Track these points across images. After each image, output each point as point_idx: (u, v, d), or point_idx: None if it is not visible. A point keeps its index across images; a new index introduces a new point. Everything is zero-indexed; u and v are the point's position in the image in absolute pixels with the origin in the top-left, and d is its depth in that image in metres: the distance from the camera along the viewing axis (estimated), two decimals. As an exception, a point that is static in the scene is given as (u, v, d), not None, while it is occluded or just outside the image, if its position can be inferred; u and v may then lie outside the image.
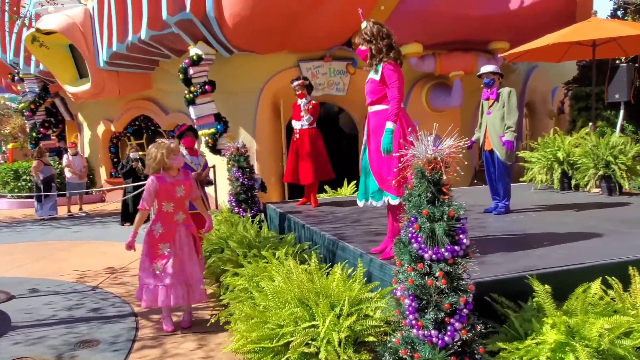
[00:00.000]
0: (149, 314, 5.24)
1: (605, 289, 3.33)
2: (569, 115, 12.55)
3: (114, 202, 11.21)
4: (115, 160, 14.86)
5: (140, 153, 11.75)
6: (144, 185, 10.29)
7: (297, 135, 7.30)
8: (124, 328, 4.86)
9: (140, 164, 10.86)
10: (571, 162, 7.86)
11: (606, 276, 3.40)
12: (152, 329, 4.85)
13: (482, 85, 6.24)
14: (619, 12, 13.08)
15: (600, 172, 7.38)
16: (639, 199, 7.01)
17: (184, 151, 6.24)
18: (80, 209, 12.96)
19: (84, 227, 10.88)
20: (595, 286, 3.26)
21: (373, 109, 4.30)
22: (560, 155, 7.89)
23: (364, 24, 4.30)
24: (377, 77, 4.20)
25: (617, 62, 9.69)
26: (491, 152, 6.17)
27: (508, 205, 6.20)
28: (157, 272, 4.74)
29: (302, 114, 7.21)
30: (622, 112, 8.60)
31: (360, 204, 4.44)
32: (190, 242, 4.93)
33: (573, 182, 7.88)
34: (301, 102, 7.29)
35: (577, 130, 9.60)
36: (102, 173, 15.11)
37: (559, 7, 10.59)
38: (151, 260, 4.81)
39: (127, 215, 10.87)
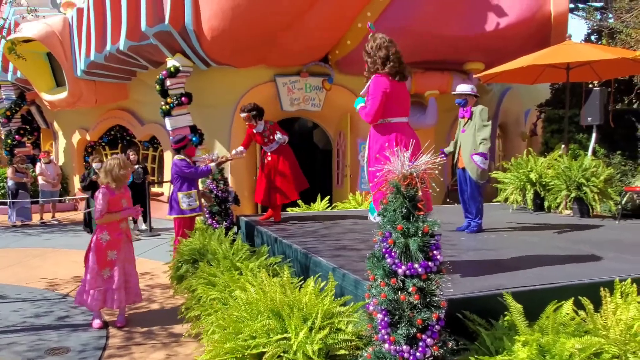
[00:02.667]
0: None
1: (577, 309, 3.34)
2: (541, 137, 12.78)
3: (86, 211, 11.02)
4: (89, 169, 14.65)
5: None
6: None
7: (269, 158, 7.25)
8: (93, 337, 4.80)
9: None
10: (543, 183, 7.95)
11: (579, 296, 3.42)
12: (122, 338, 4.79)
13: (456, 104, 6.32)
14: (592, 37, 13.39)
15: (573, 194, 7.48)
16: (609, 222, 7.11)
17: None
18: (53, 216, 12.82)
19: (56, 235, 10.72)
20: (567, 306, 3.27)
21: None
22: (532, 176, 7.98)
23: (369, 37, 4.35)
24: (365, 90, 4.24)
25: (591, 85, 9.90)
26: (464, 170, 6.21)
27: (480, 224, 6.22)
28: (106, 277, 5.16)
29: (265, 140, 7.18)
30: (594, 135, 8.75)
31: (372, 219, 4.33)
32: (130, 247, 5.42)
33: (546, 204, 7.97)
34: (257, 130, 7.20)
35: (549, 152, 9.75)
36: (76, 181, 14.87)
37: (534, 30, 10.81)
38: (100, 267, 5.18)
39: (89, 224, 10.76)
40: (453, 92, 6.39)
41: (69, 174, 15.07)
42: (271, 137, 7.15)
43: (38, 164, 12.86)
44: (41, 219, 12.49)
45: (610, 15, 12.91)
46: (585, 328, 3.17)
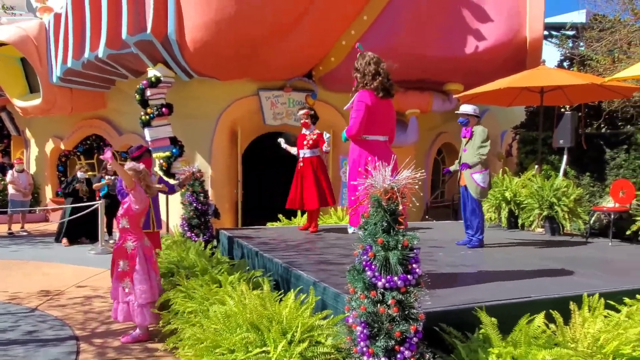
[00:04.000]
0: (92, 337, 5.07)
1: (548, 322, 3.46)
2: (516, 158, 13.05)
3: (57, 222, 10.85)
4: (62, 178, 14.42)
5: (90, 173, 11.46)
6: (85, 207, 10.04)
7: (302, 164, 7.37)
8: (62, 352, 4.65)
9: (84, 186, 10.63)
10: (518, 201, 8.15)
11: (550, 310, 3.53)
12: (94, 353, 4.66)
13: (459, 122, 6.54)
14: (565, 63, 13.82)
15: (545, 213, 7.68)
16: (578, 240, 7.33)
17: None
18: (22, 227, 12.44)
19: (25, 246, 10.45)
20: (539, 319, 3.39)
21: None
22: (507, 195, 8.18)
23: (358, 56, 4.46)
24: (349, 105, 4.35)
25: (563, 109, 10.21)
26: (466, 187, 6.43)
27: (482, 239, 6.40)
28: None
29: (305, 143, 7.33)
30: (565, 157, 9.01)
31: (352, 230, 4.47)
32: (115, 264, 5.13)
33: (519, 221, 8.16)
34: (306, 132, 7.39)
35: (524, 172, 9.98)
36: (48, 191, 14.62)
37: (511, 54, 11.12)
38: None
39: (65, 232, 10.59)
40: (456, 112, 6.64)
41: (41, 184, 14.77)
42: (310, 143, 7.28)
43: (9, 172, 12.51)
44: (9, 229, 12.11)
45: (582, 44, 13.35)
46: (556, 340, 3.29)
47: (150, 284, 4.98)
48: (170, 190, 6.70)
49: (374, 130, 4.36)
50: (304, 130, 7.46)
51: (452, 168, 6.83)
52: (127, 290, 4.94)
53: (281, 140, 7.66)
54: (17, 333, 5.14)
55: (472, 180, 6.28)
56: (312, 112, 7.48)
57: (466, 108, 6.49)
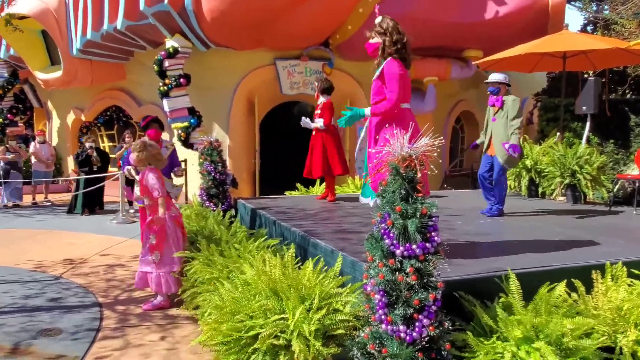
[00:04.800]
0: (114, 304, 5.18)
1: (569, 291, 3.42)
2: (537, 126, 12.84)
3: (80, 192, 11.01)
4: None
5: (110, 144, 11.60)
6: (99, 177, 10.24)
7: (313, 132, 7.38)
8: (86, 318, 4.77)
9: (95, 154, 10.79)
10: (539, 170, 8.03)
11: (572, 279, 3.50)
12: (116, 320, 4.77)
13: (488, 92, 6.35)
14: (588, 28, 13.45)
15: (567, 181, 7.56)
16: (601, 208, 7.21)
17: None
18: (46, 197, 12.67)
19: (49, 216, 10.65)
20: (560, 288, 3.35)
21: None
22: (528, 163, 8.06)
23: (378, 19, 4.25)
24: (378, 74, 4.15)
25: (586, 75, 9.97)
26: (491, 157, 6.31)
27: (501, 209, 6.32)
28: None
29: (316, 112, 7.32)
30: (588, 124, 8.84)
31: (365, 200, 4.37)
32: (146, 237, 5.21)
33: (540, 190, 8.06)
34: (319, 102, 7.37)
35: (545, 140, 9.83)
36: (70, 162, 14.82)
37: (532, 19, 10.84)
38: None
39: (84, 203, 10.79)
40: (485, 81, 6.43)
41: (63, 155, 14.98)
42: (319, 113, 7.26)
43: (32, 144, 12.71)
44: (33, 199, 12.37)
45: (606, 7, 12.96)
46: (577, 309, 3.26)
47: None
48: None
49: (406, 97, 4.22)
50: (318, 101, 7.42)
51: (478, 141, 6.68)
52: (156, 261, 5.03)
53: (305, 120, 7.53)
54: (42, 300, 5.28)
55: (503, 148, 6.10)
56: (327, 83, 7.37)
57: (497, 76, 6.28)
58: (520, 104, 6.15)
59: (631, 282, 3.65)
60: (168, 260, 5.06)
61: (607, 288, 3.44)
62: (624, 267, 3.74)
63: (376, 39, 4.21)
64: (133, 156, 5.12)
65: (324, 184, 9.00)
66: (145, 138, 5.29)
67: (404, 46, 4.16)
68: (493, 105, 6.31)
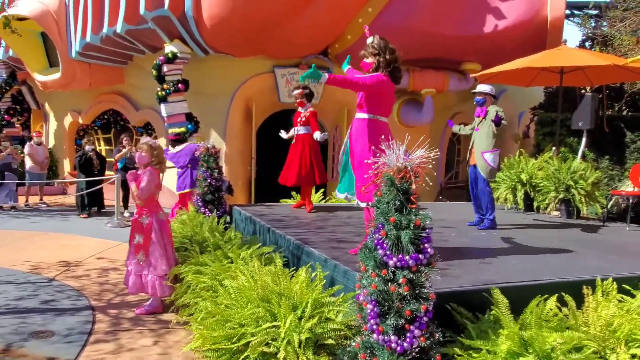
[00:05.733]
0: (107, 308, 5.17)
1: (560, 305, 3.44)
2: (534, 140, 12.88)
3: (75, 195, 11.00)
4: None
5: (106, 147, 11.61)
6: (99, 180, 10.29)
7: (294, 140, 7.38)
8: (79, 321, 4.77)
9: (96, 158, 10.83)
10: (534, 184, 8.06)
11: (562, 293, 3.52)
12: (109, 324, 4.77)
13: (474, 102, 6.48)
14: (587, 43, 13.55)
15: (561, 196, 7.59)
16: (595, 224, 7.24)
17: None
18: (41, 199, 12.61)
19: (44, 218, 10.64)
20: (551, 302, 3.37)
21: (356, 115, 4.48)
22: (523, 177, 8.09)
23: (370, 39, 4.46)
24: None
25: (583, 91, 10.03)
26: (475, 167, 6.42)
27: (493, 219, 6.37)
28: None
29: (299, 121, 7.29)
30: (584, 139, 8.89)
31: (340, 195, 4.69)
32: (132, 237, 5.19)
33: (535, 204, 8.08)
34: (301, 110, 7.35)
35: (541, 154, 9.88)
36: (66, 165, 14.80)
37: (531, 34, 10.92)
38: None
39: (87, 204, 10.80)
40: (473, 91, 6.57)
41: (59, 157, 14.97)
42: (303, 120, 7.26)
43: (27, 145, 12.66)
44: (26, 201, 12.31)
45: (605, 24, 13.06)
46: (567, 324, 3.27)
47: (166, 256, 5.08)
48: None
49: (385, 112, 4.47)
50: (299, 109, 7.42)
51: (455, 128, 7.00)
52: (141, 263, 5.02)
53: (282, 133, 7.64)
54: (35, 301, 5.28)
55: (483, 159, 6.26)
56: (307, 90, 7.41)
57: (484, 87, 6.42)
58: (502, 114, 6.26)
59: (622, 297, 3.67)
60: (154, 262, 5.04)
61: (598, 303, 3.45)
62: (614, 283, 3.77)
63: (370, 59, 4.42)
64: (138, 156, 5.15)
65: (319, 192, 9.01)
66: (151, 140, 5.33)
67: (396, 65, 4.39)
68: (478, 116, 6.43)
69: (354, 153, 4.44)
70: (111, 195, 10.62)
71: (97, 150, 13.44)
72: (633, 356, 3.05)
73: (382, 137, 4.12)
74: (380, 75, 4.31)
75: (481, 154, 6.28)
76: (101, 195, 11.18)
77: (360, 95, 4.40)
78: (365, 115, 4.39)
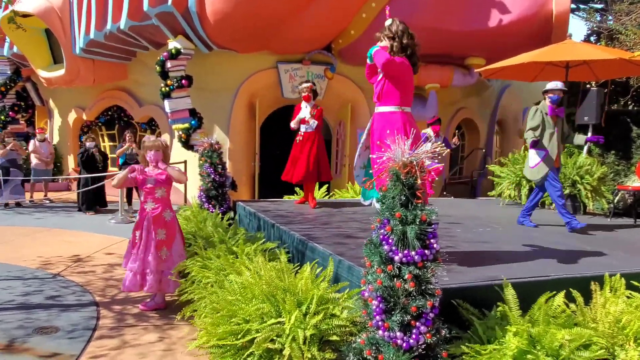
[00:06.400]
0: (111, 304, 5.17)
1: (568, 302, 3.41)
2: (539, 135, 12.80)
3: (80, 191, 11.00)
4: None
5: (110, 144, 11.61)
6: (101, 176, 10.31)
7: (300, 137, 7.26)
8: (83, 317, 4.76)
9: (98, 155, 10.83)
10: (539, 179, 8.01)
11: (570, 289, 3.48)
12: (113, 319, 4.76)
13: (549, 102, 6.12)
14: (592, 38, 13.47)
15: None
16: (601, 219, 7.20)
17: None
18: (45, 196, 12.64)
19: (48, 214, 10.64)
20: (559, 299, 3.34)
21: (377, 109, 4.25)
22: (528, 172, 8.04)
23: (388, 21, 4.23)
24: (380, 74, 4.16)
25: (588, 85, 9.96)
26: (558, 169, 6.15)
27: (572, 218, 6.06)
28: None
29: (307, 118, 7.17)
30: (590, 134, 8.82)
31: (366, 202, 4.47)
32: (151, 233, 5.04)
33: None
34: (304, 104, 7.25)
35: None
36: (70, 161, 14.82)
37: (536, 28, 10.85)
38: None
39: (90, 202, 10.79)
40: (549, 88, 6.19)
41: (64, 154, 14.98)
42: (310, 119, 7.16)
43: (32, 142, 12.65)
44: (31, 197, 12.32)
45: (610, 18, 12.97)
46: (575, 320, 3.25)
47: (184, 252, 5.18)
48: None
49: (407, 101, 4.21)
50: (302, 104, 7.33)
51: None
52: (164, 257, 5.00)
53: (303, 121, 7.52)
54: (40, 297, 5.28)
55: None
56: (315, 87, 7.35)
57: (559, 84, 6.04)
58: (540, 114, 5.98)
59: (630, 294, 3.64)
60: (176, 258, 5.05)
61: (606, 300, 3.42)
62: (622, 279, 3.73)
63: (384, 42, 4.19)
64: (152, 154, 5.04)
65: (323, 188, 8.98)
66: (160, 138, 5.32)
67: (414, 52, 4.15)
68: (555, 116, 6.06)
69: (374, 149, 4.17)
70: (115, 191, 10.61)
71: (101, 146, 13.50)
72: (642, 352, 3.02)
73: (412, 130, 4.00)
74: (400, 60, 4.05)
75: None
76: (103, 192, 11.15)
77: (378, 87, 4.18)
78: (386, 109, 4.16)
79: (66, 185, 15.09)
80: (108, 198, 11.46)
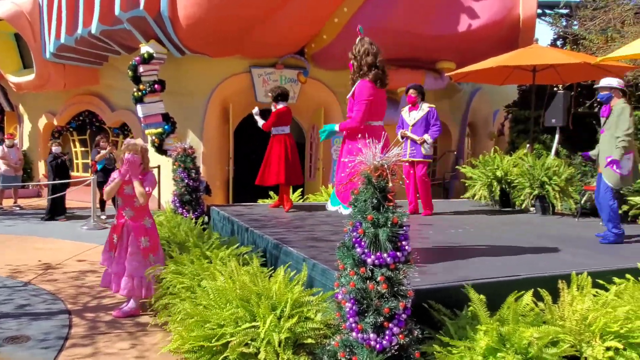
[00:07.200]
0: (84, 311, 5.10)
1: (536, 300, 3.50)
2: (508, 137, 13.06)
3: (50, 197, 10.81)
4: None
5: (82, 149, 11.44)
6: (64, 184, 10.14)
7: (273, 139, 7.30)
8: (55, 325, 4.69)
9: (67, 161, 10.73)
10: (509, 180, 8.17)
11: (539, 288, 3.57)
12: (86, 327, 4.69)
13: (598, 99, 5.83)
14: (558, 42, 13.78)
15: (536, 192, 7.71)
16: (569, 219, 7.38)
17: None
18: (15, 202, 12.40)
19: (18, 221, 10.44)
20: (527, 297, 3.42)
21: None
22: (498, 173, 8.19)
23: (357, 39, 4.44)
24: (351, 93, 4.36)
25: (555, 88, 10.19)
26: (601, 174, 5.64)
27: (619, 233, 5.47)
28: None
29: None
30: (557, 136, 9.04)
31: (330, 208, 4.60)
32: (133, 240, 5.04)
33: (511, 200, 8.20)
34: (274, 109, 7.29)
35: (516, 151, 10.01)
36: (41, 167, 14.56)
37: (504, 33, 11.08)
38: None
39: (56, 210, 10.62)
40: (596, 86, 5.90)
41: (34, 159, 14.72)
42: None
43: (0, 147, 12.45)
44: (0, 204, 12.07)
45: (575, 23, 13.30)
46: (544, 318, 3.33)
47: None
48: None
49: (374, 117, 4.41)
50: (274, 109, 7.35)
51: (592, 153, 5.98)
52: (152, 263, 4.99)
53: (255, 111, 7.55)
54: (10, 306, 5.17)
55: (609, 165, 5.35)
56: (277, 91, 7.34)
57: (610, 80, 5.51)
58: (628, 112, 5.37)
59: (596, 292, 3.74)
60: (161, 262, 5.06)
61: (573, 298, 3.52)
62: (589, 277, 3.84)
63: (352, 62, 4.41)
64: (133, 158, 5.12)
65: (297, 192, 9.00)
66: (140, 141, 5.33)
67: (377, 67, 4.32)
68: (602, 116, 5.64)
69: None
70: (87, 197, 10.46)
71: (73, 152, 13.32)
72: (608, 349, 3.12)
73: (372, 139, 4.09)
74: (365, 87, 4.24)
75: (605, 158, 5.44)
76: (63, 201, 10.95)
77: (350, 107, 4.39)
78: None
79: (36, 191, 14.81)
80: (78, 204, 11.29)
